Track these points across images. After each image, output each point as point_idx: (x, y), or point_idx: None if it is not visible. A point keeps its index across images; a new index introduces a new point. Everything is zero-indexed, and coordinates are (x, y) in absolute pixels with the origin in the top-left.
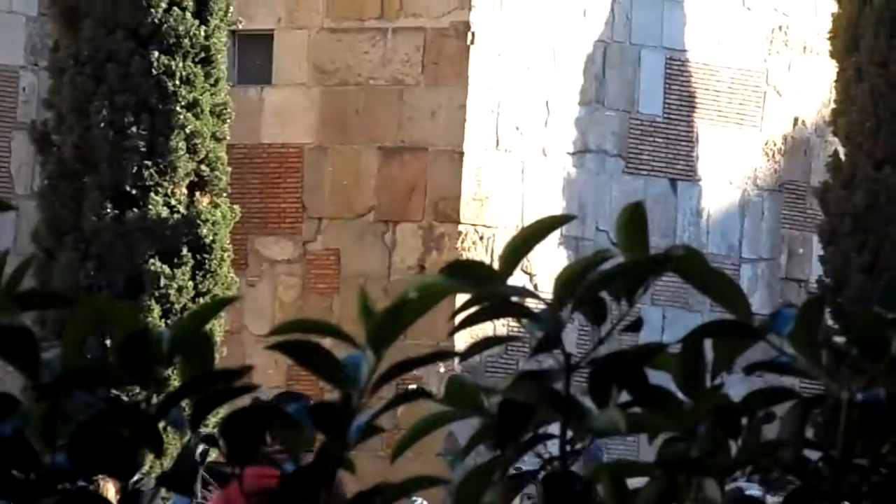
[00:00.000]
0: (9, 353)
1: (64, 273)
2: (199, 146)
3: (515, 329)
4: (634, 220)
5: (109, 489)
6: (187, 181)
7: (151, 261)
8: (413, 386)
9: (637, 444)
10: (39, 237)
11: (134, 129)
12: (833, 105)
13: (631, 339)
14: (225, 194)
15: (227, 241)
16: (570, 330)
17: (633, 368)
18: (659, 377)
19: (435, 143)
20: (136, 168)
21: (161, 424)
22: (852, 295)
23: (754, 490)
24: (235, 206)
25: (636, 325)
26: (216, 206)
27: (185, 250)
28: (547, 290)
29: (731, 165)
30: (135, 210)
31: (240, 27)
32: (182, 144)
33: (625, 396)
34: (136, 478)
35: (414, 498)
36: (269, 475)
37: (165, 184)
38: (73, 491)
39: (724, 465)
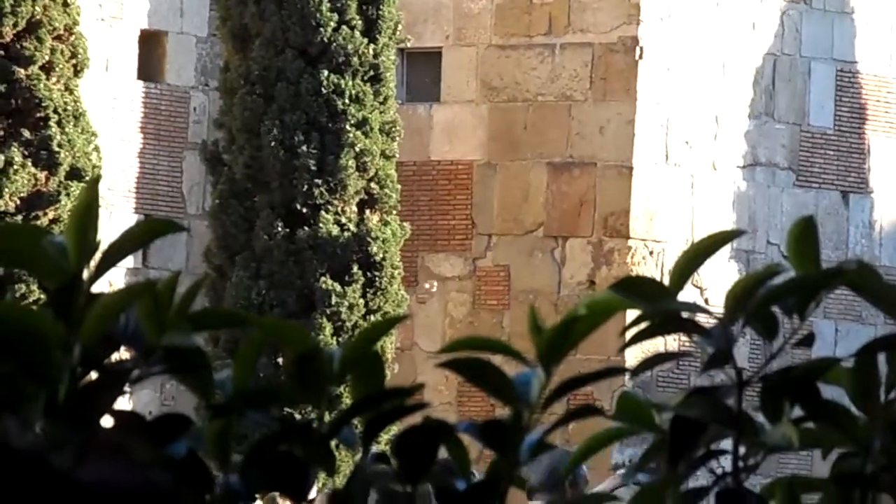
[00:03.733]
0: (182, 374)
1: (236, 291)
2: (369, 164)
3: (686, 344)
4: (806, 233)
5: None
6: (357, 199)
7: (322, 279)
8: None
9: (811, 460)
10: (211, 256)
11: (304, 147)
12: None
13: (803, 353)
14: (395, 212)
15: (398, 259)
16: (741, 345)
17: (805, 383)
18: (832, 392)
19: (604, 158)
20: (306, 186)
21: (333, 443)
22: None
23: None
24: (405, 224)
25: (808, 340)
26: (386, 223)
27: (355, 268)
28: (718, 304)
29: None
30: (305, 228)
31: (408, 45)
32: (352, 162)
33: (797, 411)
34: (310, 496)
35: None
36: None
37: (336, 202)
38: None
39: None
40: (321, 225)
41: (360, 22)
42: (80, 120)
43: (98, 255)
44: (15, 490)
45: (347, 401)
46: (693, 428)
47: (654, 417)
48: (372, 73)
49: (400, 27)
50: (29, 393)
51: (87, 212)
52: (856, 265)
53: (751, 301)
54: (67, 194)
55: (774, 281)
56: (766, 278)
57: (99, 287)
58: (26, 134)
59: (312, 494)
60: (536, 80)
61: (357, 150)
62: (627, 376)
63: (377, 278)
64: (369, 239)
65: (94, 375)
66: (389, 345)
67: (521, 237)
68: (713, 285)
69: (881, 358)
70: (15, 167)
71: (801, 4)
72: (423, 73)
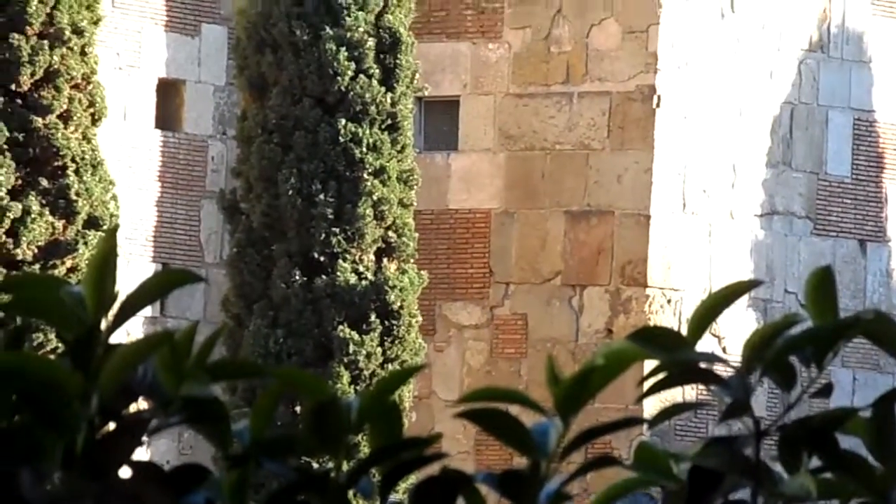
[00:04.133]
0: (200, 424)
1: (253, 340)
2: (387, 212)
3: (704, 394)
4: (823, 283)
5: None
6: (375, 247)
7: (340, 327)
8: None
9: None
10: (229, 305)
11: (321, 196)
12: None
13: (821, 403)
14: (412, 260)
15: (415, 307)
16: (759, 394)
17: (823, 433)
18: (850, 442)
19: (621, 206)
20: (324, 235)
21: (351, 493)
22: None
23: None
24: (423, 272)
25: (826, 390)
26: (404, 272)
27: (373, 316)
28: (735, 353)
29: None
30: (323, 277)
31: (426, 94)
32: (369, 211)
33: (815, 462)
34: None
35: None
36: None
37: (353, 250)
38: None
39: None
40: (339, 273)
41: (377, 70)
42: (97, 169)
43: (116, 306)
44: None
45: (365, 450)
46: (711, 478)
47: (672, 467)
48: (389, 121)
49: (417, 76)
50: (47, 444)
51: (105, 262)
52: (873, 315)
53: (768, 351)
54: (85, 243)
55: (792, 331)
56: (783, 328)
57: (117, 337)
58: (44, 183)
59: None
60: (554, 129)
61: (375, 198)
62: (646, 426)
63: (395, 327)
64: (387, 287)
65: (112, 426)
66: (407, 394)
67: (538, 286)
68: (731, 334)
69: None
70: (33, 216)
71: (818, 53)
72: (441, 121)
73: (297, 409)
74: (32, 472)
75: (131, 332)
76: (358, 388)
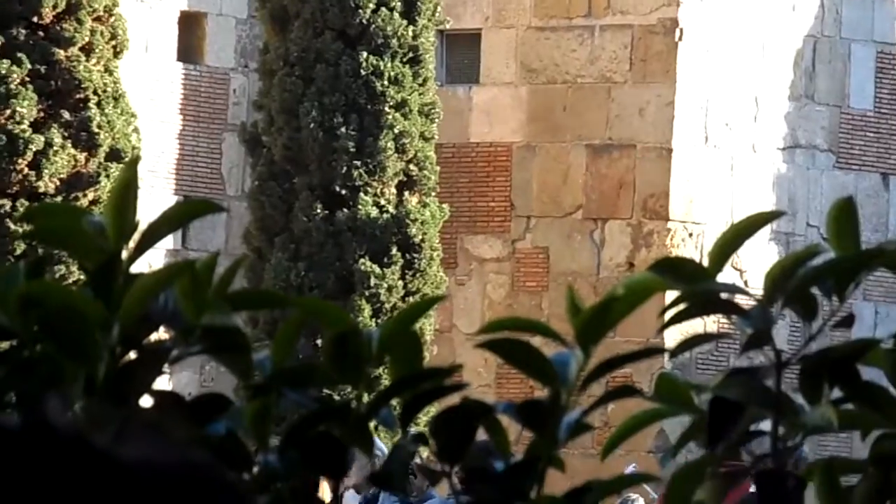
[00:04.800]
0: (221, 354)
1: (275, 273)
2: (408, 146)
3: (726, 326)
4: (845, 214)
5: (324, 488)
6: (396, 181)
7: (361, 261)
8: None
9: (850, 442)
10: (250, 238)
11: (343, 129)
12: None
13: (842, 335)
14: (434, 193)
15: (436, 241)
16: (780, 326)
17: (845, 364)
18: (871, 373)
19: (643, 140)
20: (345, 168)
21: (371, 423)
22: None
23: None
24: (444, 206)
25: (848, 321)
26: (425, 205)
27: (394, 249)
28: (757, 287)
29: None
30: (344, 210)
31: (447, 27)
32: (391, 144)
33: (837, 393)
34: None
35: (629, 495)
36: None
37: (374, 184)
38: (286, 490)
39: None
40: (360, 207)
41: (399, 3)
42: (119, 101)
43: (137, 236)
44: (55, 469)
45: (386, 383)
46: (732, 409)
47: (693, 398)
48: (411, 54)
49: (439, 9)
50: (69, 372)
51: (126, 192)
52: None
53: (790, 282)
54: (107, 175)
55: (814, 262)
56: (805, 259)
57: (138, 269)
58: (66, 115)
59: (351, 476)
60: (576, 62)
61: (396, 131)
62: (666, 358)
63: (416, 260)
64: (408, 221)
65: (133, 355)
66: (428, 326)
67: (560, 219)
68: (752, 268)
69: None
70: (55, 148)
71: None
72: (463, 54)
73: (318, 341)
74: (58, 398)
75: (153, 264)
76: (379, 321)
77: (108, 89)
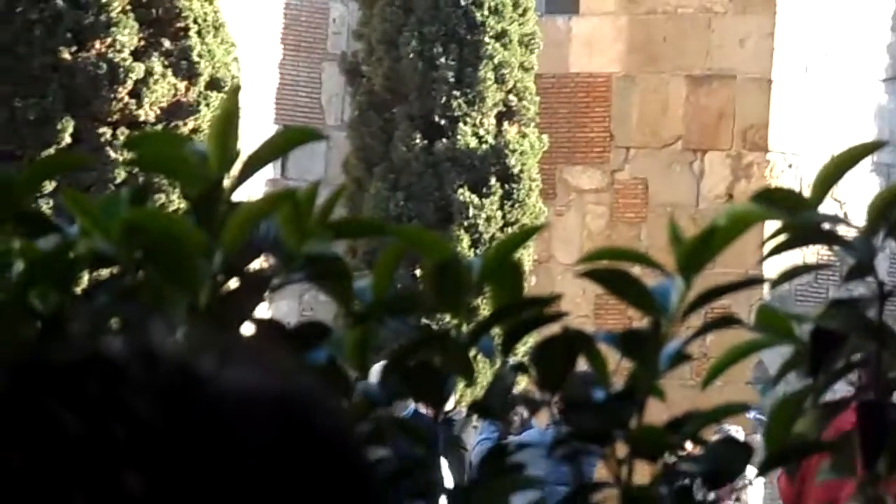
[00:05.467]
0: (322, 282)
1: (374, 203)
2: (507, 76)
3: (825, 258)
4: None
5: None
6: (495, 111)
7: (460, 191)
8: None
9: None
10: (350, 167)
11: (442, 59)
12: None
13: None
14: (533, 124)
15: (535, 171)
16: (881, 259)
17: None
18: None
19: (743, 70)
20: (444, 98)
21: (472, 353)
22: None
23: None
24: (543, 136)
25: None
26: (524, 135)
27: (493, 180)
28: (857, 219)
29: None
30: (443, 140)
31: None
32: (490, 74)
33: None
34: (449, 406)
35: (728, 427)
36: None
37: (474, 114)
38: (387, 417)
39: None
40: (459, 137)
41: None
42: (219, 31)
43: (238, 164)
44: (161, 395)
45: (485, 313)
46: (834, 339)
47: (793, 329)
48: None
49: None
50: (171, 300)
51: (228, 120)
52: None
53: (893, 212)
54: (207, 105)
55: None
56: None
57: (239, 198)
58: (166, 44)
59: (450, 404)
60: None
61: (496, 62)
62: (766, 290)
63: (515, 191)
64: (507, 151)
65: (235, 283)
66: (527, 257)
67: (659, 150)
68: (853, 200)
69: None
70: (155, 77)
71: None
72: None
73: (417, 272)
74: (161, 322)
75: (253, 194)
76: (478, 251)
77: (209, 18)
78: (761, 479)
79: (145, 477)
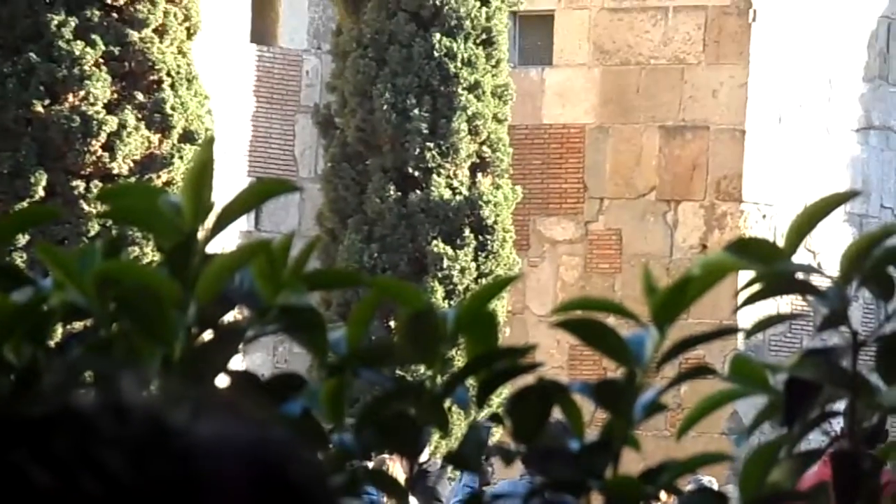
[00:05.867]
0: (297, 333)
1: (348, 255)
2: (481, 127)
3: (799, 308)
4: None
5: (398, 468)
6: (469, 162)
7: (434, 242)
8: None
9: None
10: (323, 219)
11: (416, 111)
12: None
13: None
14: (506, 175)
15: (509, 222)
16: (854, 308)
17: None
18: None
19: (717, 121)
20: (418, 150)
21: (446, 404)
22: None
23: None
24: (517, 187)
25: None
26: (498, 187)
27: (467, 231)
28: (831, 269)
29: None
30: (417, 192)
31: (520, 8)
32: (464, 126)
33: None
34: (424, 457)
35: (702, 477)
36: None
37: (448, 165)
38: (362, 469)
39: None
40: (433, 188)
41: None
42: (192, 83)
43: (212, 217)
44: (129, 447)
45: (460, 364)
46: (808, 389)
47: (767, 379)
48: (484, 36)
49: None
50: (145, 352)
51: (202, 172)
52: None
53: (866, 262)
54: (181, 157)
55: (890, 242)
56: (881, 238)
57: (213, 250)
58: (139, 97)
59: (425, 455)
60: (649, 44)
61: (469, 113)
62: (740, 340)
63: (489, 242)
64: (481, 202)
65: (209, 334)
66: (501, 308)
67: (633, 201)
68: (826, 250)
69: None
70: (128, 130)
71: None
72: (536, 36)
73: (392, 323)
74: (133, 375)
75: (226, 247)
76: (452, 303)
77: (182, 71)
78: None
79: None
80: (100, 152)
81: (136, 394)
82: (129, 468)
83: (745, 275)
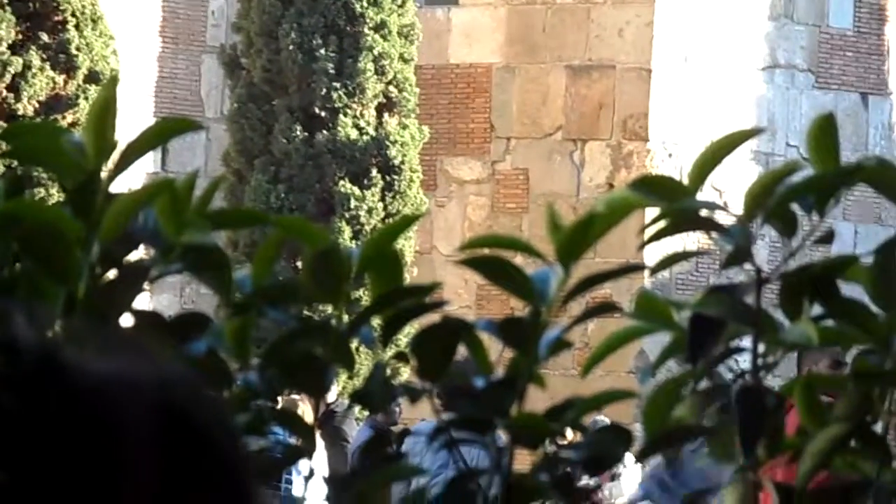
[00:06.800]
0: (202, 272)
1: (254, 195)
2: (387, 67)
3: (705, 245)
4: (825, 131)
5: (308, 409)
6: (376, 102)
7: (341, 182)
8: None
9: None
10: (230, 160)
11: (322, 51)
12: None
13: (823, 253)
14: (413, 115)
15: (416, 163)
16: (760, 247)
17: (825, 281)
18: (851, 290)
19: (623, 60)
20: (324, 90)
21: (353, 343)
22: None
23: None
24: (424, 127)
25: (828, 238)
26: (405, 126)
27: (374, 172)
28: (736, 207)
29: None
30: (324, 132)
31: None
32: (370, 66)
33: (817, 309)
34: (332, 397)
35: (597, 417)
36: None
37: (354, 105)
38: (268, 409)
39: None
40: (340, 129)
41: None
42: (97, 23)
43: (116, 156)
44: (20, 382)
45: (366, 303)
46: (712, 325)
47: (673, 316)
48: None
49: None
50: (49, 292)
51: (105, 110)
52: (875, 161)
53: (770, 199)
54: (86, 98)
55: (794, 179)
56: (784, 175)
57: (117, 189)
58: (44, 38)
59: (333, 395)
60: None
61: (375, 53)
62: (646, 278)
63: (396, 182)
64: (388, 143)
65: (113, 274)
66: (408, 248)
67: (539, 140)
68: (732, 188)
69: None
70: (33, 71)
71: None
72: None
73: (298, 264)
74: (25, 314)
75: (132, 186)
76: (359, 243)
77: (87, 11)
78: (637, 465)
79: (5, 469)
80: (4, 93)
81: (29, 331)
82: (19, 404)
83: (651, 214)
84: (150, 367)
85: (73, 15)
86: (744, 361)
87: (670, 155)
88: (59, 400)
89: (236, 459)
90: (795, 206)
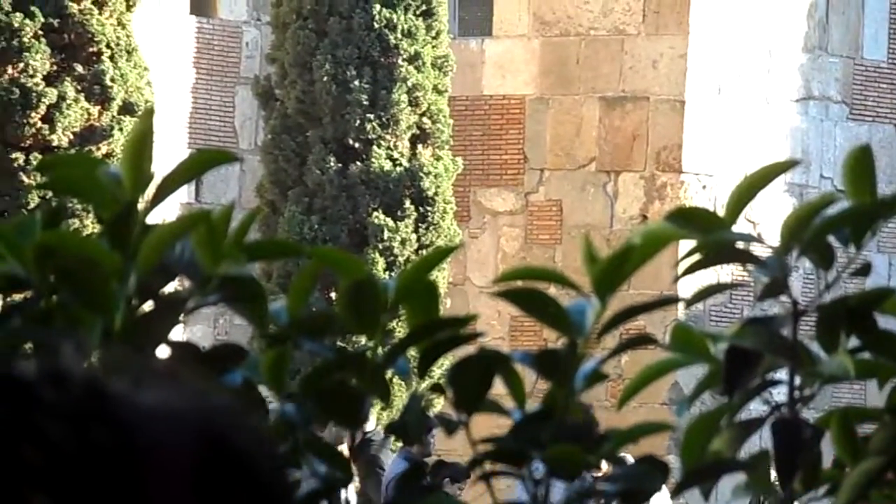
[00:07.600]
0: (237, 304)
1: (288, 226)
2: (421, 99)
3: (740, 277)
4: (861, 163)
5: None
6: (409, 134)
7: (375, 214)
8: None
9: (864, 393)
10: (264, 191)
11: (356, 82)
12: None
13: (858, 285)
14: (447, 146)
15: (450, 194)
16: (794, 278)
17: (861, 313)
18: (888, 323)
19: (656, 92)
20: (358, 121)
21: (388, 374)
22: None
23: None
24: (457, 159)
25: (864, 270)
26: (438, 158)
27: (407, 203)
28: (771, 239)
29: None
30: (358, 163)
31: None
32: (404, 97)
33: (853, 342)
34: (370, 426)
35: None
36: None
37: (388, 137)
38: (303, 440)
39: None
40: (373, 160)
41: None
42: (132, 55)
43: (152, 188)
44: (69, 415)
45: (401, 334)
46: (748, 358)
47: (708, 348)
48: (424, 7)
49: None
50: (86, 323)
51: (142, 142)
52: None
53: (806, 231)
54: (120, 129)
55: (830, 211)
56: (821, 208)
57: (153, 221)
58: (79, 69)
59: (371, 425)
60: (589, 14)
61: (409, 84)
62: (680, 310)
63: (429, 213)
64: (421, 174)
65: (149, 305)
66: (442, 279)
67: (573, 172)
68: (766, 220)
69: None
70: (68, 102)
71: None
72: (476, 7)
73: (333, 295)
74: (73, 345)
75: (167, 218)
76: (393, 274)
77: (121, 43)
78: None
79: (54, 500)
80: (39, 124)
81: (76, 362)
82: (69, 436)
83: (686, 245)
84: (194, 398)
85: (108, 46)
86: (779, 394)
87: (704, 187)
88: (106, 431)
89: (279, 489)
90: (831, 238)
